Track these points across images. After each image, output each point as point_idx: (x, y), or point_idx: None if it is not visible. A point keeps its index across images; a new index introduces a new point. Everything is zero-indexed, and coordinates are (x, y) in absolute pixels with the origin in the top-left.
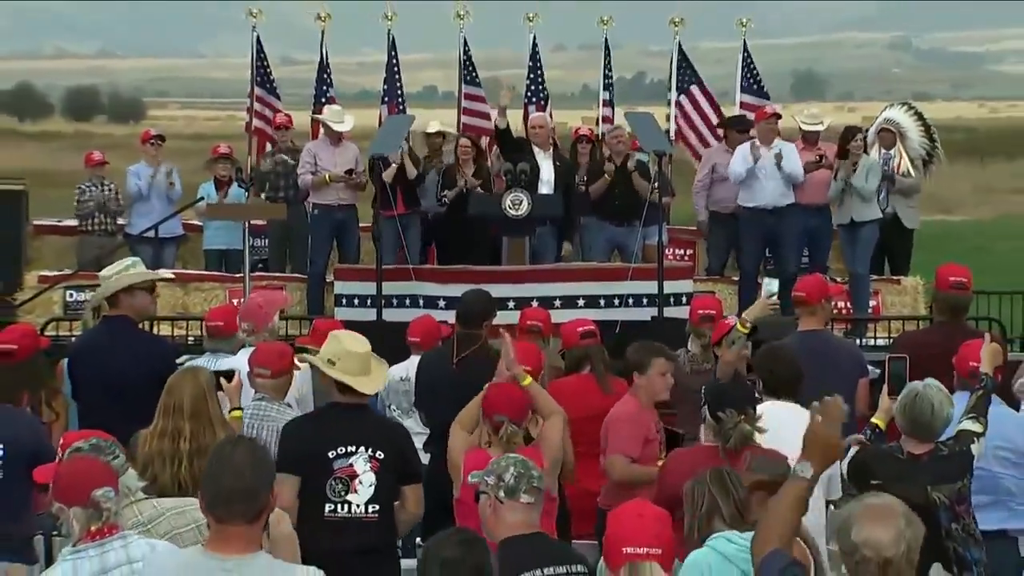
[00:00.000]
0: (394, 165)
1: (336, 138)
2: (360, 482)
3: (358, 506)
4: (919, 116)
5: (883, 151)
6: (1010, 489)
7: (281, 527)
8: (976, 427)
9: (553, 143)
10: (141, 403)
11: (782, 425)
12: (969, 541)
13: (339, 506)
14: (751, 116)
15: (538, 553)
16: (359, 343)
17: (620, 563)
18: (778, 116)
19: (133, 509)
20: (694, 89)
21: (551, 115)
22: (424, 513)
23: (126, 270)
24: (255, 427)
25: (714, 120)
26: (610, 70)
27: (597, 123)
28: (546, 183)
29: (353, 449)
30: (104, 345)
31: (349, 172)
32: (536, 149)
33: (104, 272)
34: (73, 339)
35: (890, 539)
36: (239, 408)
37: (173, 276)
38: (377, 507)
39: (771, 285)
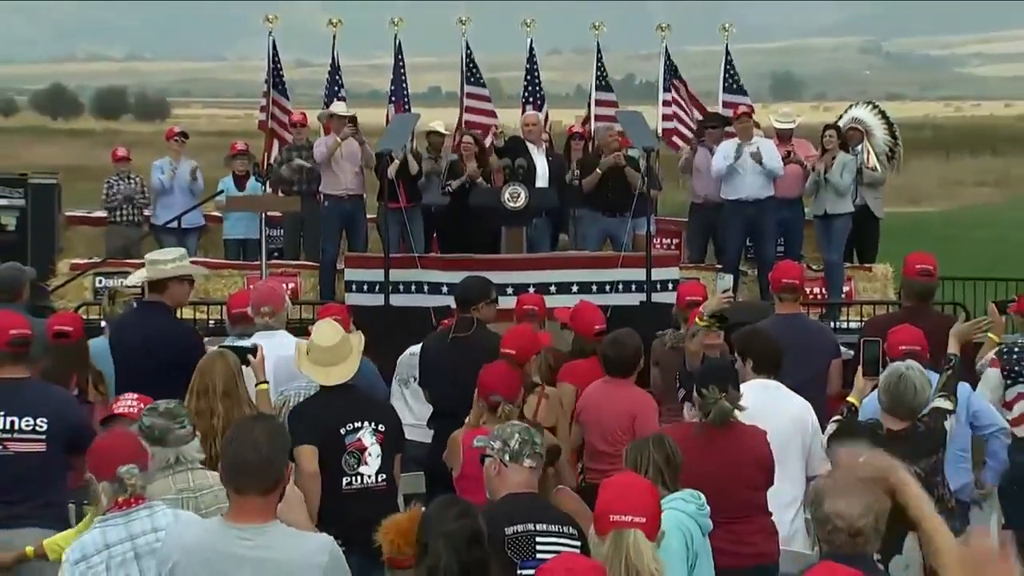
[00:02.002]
0: (397, 161)
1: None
2: (369, 454)
3: (369, 476)
4: (883, 115)
5: (851, 147)
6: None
7: (288, 487)
8: (948, 404)
9: (549, 140)
10: (167, 383)
11: (762, 402)
12: (944, 511)
13: (354, 478)
14: (728, 113)
15: (535, 510)
16: (328, 336)
17: (607, 530)
18: (749, 114)
19: (187, 476)
20: (677, 83)
21: (547, 114)
22: (427, 484)
23: (180, 260)
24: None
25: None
26: (603, 71)
27: (588, 120)
28: (541, 177)
29: (359, 424)
30: (136, 326)
31: (352, 121)
32: (530, 146)
33: (155, 256)
34: (103, 322)
35: (860, 511)
36: (265, 381)
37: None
38: (384, 476)
39: (724, 280)
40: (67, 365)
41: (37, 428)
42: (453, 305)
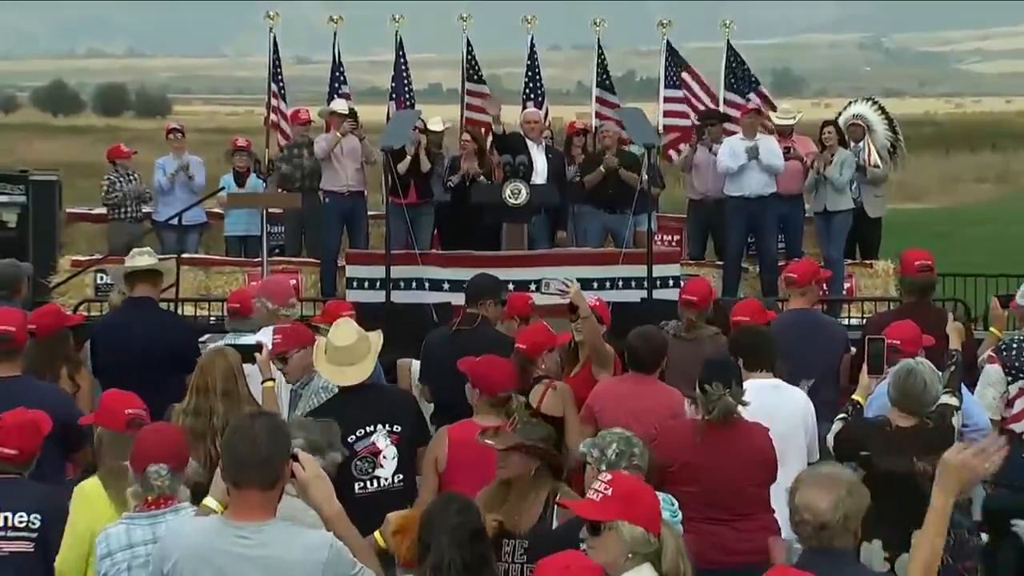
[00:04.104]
0: (409, 157)
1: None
2: (384, 456)
3: (386, 479)
4: (883, 111)
5: (853, 144)
6: None
7: (310, 470)
8: (954, 401)
9: (551, 136)
10: (161, 378)
11: (762, 399)
12: (957, 506)
13: (368, 482)
14: (731, 112)
15: None
16: (345, 336)
17: (660, 527)
18: (758, 111)
19: None
20: (685, 76)
21: (547, 111)
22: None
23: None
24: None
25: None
26: (605, 69)
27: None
28: (540, 173)
29: (372, 428)
30: (131, 322)
31: (353, 116)
32: (529, 143)
33: (140, 250)
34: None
35: (827, 505)
36: (271, 379)
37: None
38: (402, 476)
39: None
40: (41, 360)
41: None
42: (454, 302)
